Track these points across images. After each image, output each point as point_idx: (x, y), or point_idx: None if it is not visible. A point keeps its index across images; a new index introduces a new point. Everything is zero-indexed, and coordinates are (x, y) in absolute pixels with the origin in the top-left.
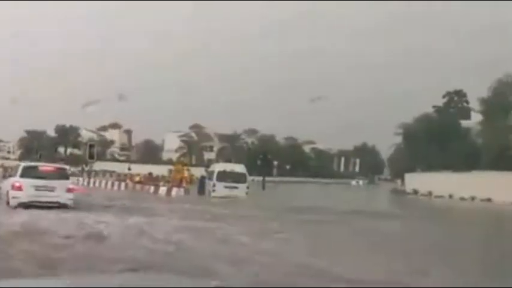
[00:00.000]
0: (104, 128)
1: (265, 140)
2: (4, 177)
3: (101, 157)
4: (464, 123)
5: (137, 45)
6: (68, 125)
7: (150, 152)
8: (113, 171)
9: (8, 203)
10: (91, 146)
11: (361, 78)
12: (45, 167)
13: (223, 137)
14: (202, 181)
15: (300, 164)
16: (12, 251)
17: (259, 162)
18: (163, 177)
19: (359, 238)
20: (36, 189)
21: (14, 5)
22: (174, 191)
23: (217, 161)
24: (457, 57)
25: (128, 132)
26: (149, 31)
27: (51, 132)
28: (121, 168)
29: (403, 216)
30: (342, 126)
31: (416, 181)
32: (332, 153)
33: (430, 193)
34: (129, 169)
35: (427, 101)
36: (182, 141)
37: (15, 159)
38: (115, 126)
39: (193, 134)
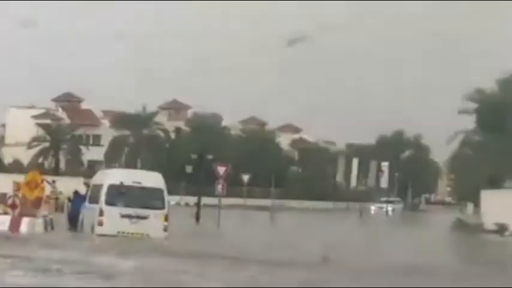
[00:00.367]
0: None
1: (202, 125)
2: None
3: None
4: None
5: None
6: None
7: None
8: None
9: None
10: None
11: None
12: None
13: (119, 119)
14: (75, 204)
15: (269, 169)
16: None
17: (190, 168)
18: (2, 196)
19: None
20: None
21: None
22: (25, 223)
23: (108, 164)
24: None
25: None
26: None
27: None
28: None
29: None
30: (352, 100)
31: (504, 205)
32: (335, 151)
33: None
34: None
35: None
36: (40, 125)
37: None
38: None
39: (60, 111)
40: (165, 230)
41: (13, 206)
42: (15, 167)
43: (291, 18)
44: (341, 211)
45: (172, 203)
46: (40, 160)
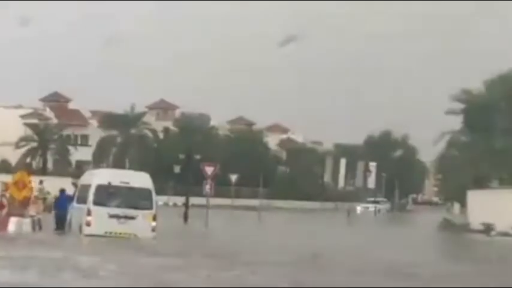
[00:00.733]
0: None
1: (190, 125)
2: None
3: None
4: None
5: None
6: None
7: None
8: None
9: None
10: None
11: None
12: None
13: (107, 119)
14: (60, 203)
15: (257, 169)
16: None
17: (177, 168)
18: None
19: None
20: None
21: None
22: (13, 223)
23: (96, 164)
24: None
25: None
26: None
27: None
28: None
29: None
30: (339, 101)
31: (490, 205)
32: (322, 151)
33: None
34: None
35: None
36: (27, 125)
37: None
38: None
39: (48, 111)
40: (153, 230)
41: (1, 206)
42: (3, 167)
43: (280, 18)
44: (329, 211)
45: (160, 203)
46: (28, 160)
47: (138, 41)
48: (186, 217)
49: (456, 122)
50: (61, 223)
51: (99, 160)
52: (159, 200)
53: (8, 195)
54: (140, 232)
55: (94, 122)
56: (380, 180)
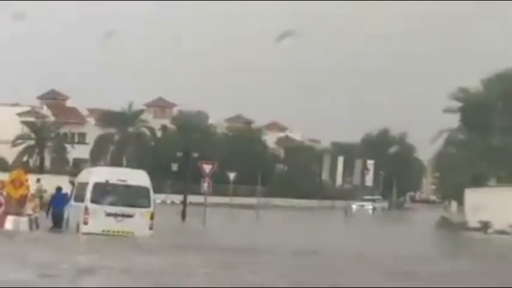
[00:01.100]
0: None
1: (188, 123)
2: None
3: None
4: None
5: None
6: None
7: None
8: None
9: None
10: None
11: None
12: None
13: (105, 117)
14: (57, 201)
15: (255, 167)
16: None
17: (175, 166)
18: None
19: None
20: None
21: None
22: (10, 222)
23: (93, 162)
24: None
25: None
26: None
27: None
28: None
29: None
30: (337, 99)
31: (487, 203)
32: (320, 150)
33: None
34: None
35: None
36: (24, 122)
37: None
38: None
39: (45, 109)
40: (151, 228)
41: None
42: (0, 165)
43: (280, 18)
44: (326, 209)
45: (158, 201)
46: (25, 158)
47: (136, 40)
48: (183, 215)
49: (454, 120)
50: (57, 221)
51: (96, 158)
52: (156, 198)
53: (5, 193)
54: (138, 230)
55: (91, 120)
56: (378, 178)
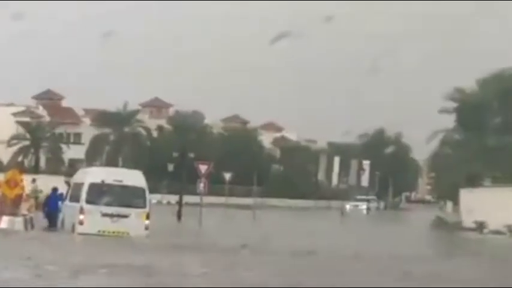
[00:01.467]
0: None
1: (184, 123)
2: None
3: None
4: None
5: None
6: None
7: None
8: None
9: None
10: None
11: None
12: None
13: (100, 117)
14: (51, 201)
15: (251, 167)
16: None
17: (171, 166)
18: None
19: None
20: None
21: None
22: (5, 222)
23: (89, 162)
24: None
25: None
26: None
27: None
28: None
29: None
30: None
31: (482, 203)
32: (316, 150)
33: None
34: None
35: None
36: (20, 122)
37: None
38: None
39: (41, 109)
40: (147, 228)
41: None
42: None
43: (280, 18)
44: (322, 209)
45: (154, 201)
46: (20, 158)
47: (132, 40)
48: (179, 215)
49: (449, 121)
50: (52, 221)
51: (92, 158)
52: (152, 198)
53: (0, 193)
54: (133, 231)
55: (87, 120)
56: (373, 178)
